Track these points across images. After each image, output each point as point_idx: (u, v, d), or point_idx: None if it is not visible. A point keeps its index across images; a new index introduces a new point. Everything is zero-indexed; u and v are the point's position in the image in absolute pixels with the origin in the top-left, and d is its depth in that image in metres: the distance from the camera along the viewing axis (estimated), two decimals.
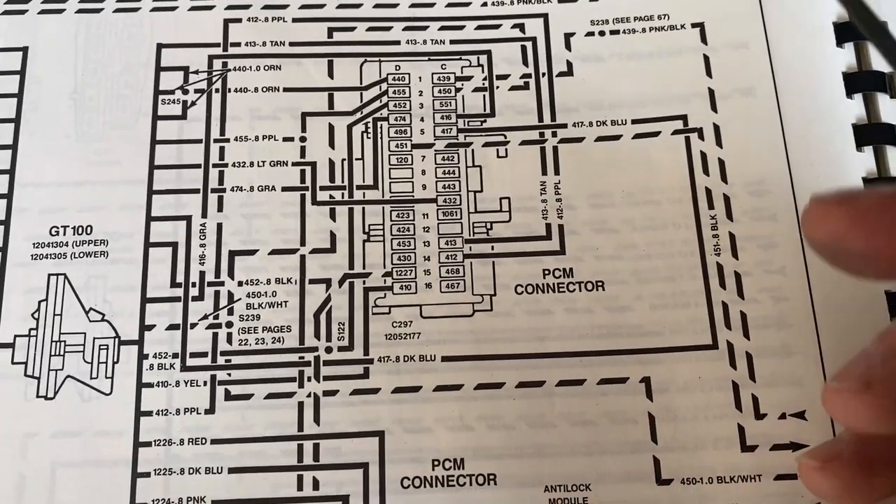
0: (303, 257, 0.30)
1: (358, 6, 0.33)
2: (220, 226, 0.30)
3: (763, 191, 0.31)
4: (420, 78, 0.32)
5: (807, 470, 0.24)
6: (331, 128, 0.32)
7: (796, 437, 0.28)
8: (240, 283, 0.30)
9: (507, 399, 0.29)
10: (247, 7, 0.33)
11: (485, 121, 0.32)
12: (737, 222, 0.30)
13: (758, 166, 0.31)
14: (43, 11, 0.33)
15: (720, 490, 0.28)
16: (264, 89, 0.32)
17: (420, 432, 0.29)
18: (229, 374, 0.29)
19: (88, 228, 0.30)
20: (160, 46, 0.33)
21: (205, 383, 0.29)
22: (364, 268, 0.30)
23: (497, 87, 0.32)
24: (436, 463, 0.28)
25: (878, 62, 0.32)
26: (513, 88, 0.32)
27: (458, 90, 0.32)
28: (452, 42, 0.33)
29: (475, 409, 0.29)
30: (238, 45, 0.33)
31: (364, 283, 0.30)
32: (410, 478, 0.28)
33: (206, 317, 0.29)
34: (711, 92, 0.32)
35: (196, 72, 0.32)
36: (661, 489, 0.28)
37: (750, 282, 0.30)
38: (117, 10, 0.33)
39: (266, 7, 0.33)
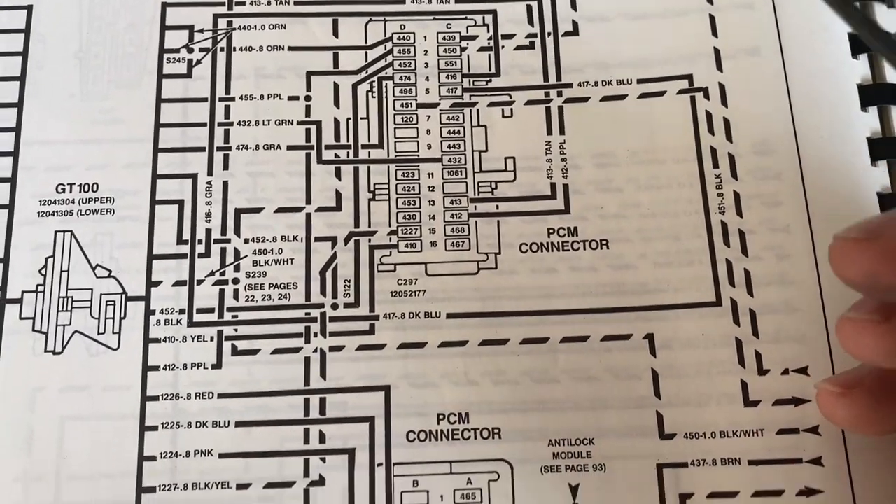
0: (308, 215, 0.30)
1: None
2: (225, 184, 0.31)
3: (768, 150, 0.31)
4: (425, 37, 0.32)
5: (825, 395, 0.23)
6: (336, 87, 0.32)
7: (799, 393, 0.28)
8: (246, 241, 0.30)
9: (512, 355, 0.29)
10: None
11: (490, 80, 0.32)
12: (741, 181, 0.30)
13: (763, 126, 0.31)
14: None
15: (722, 444, 0.28)
16: (269, 48, 0.32)
17: (425, 387, 0.29)
18: (236, 330, 0.29)
19: (94, 186, 0.30)
20: (165, 5, 0.33)
21: (211, 339, 0.29)
22: (370, 226, 0.30)
23: (502, 47, 0.32)
24: (441, 417, 0.29)
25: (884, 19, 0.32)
26: (518, 48, 0.32)
27: (463, 50, 0.32)
28: (458, 1, 0.33)
29: (480, 364, 0.29)
30: (243, 3, 0.33)
31: (370, 241, 0.30)
32: (416, 431, 0.28)
33: (212, 273, 0.30)
34: (717, 52, 0.32)
35: (201, 31, 0.32)
36: (664, 444, 0.28)
37: (754, 239, 0.30)
38: None
39: None
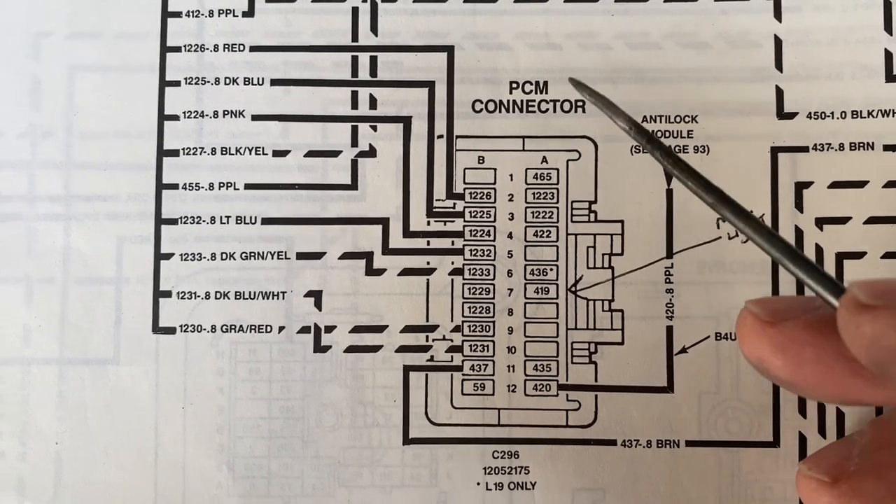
0: None
1: None
2: None
3: None
4: None
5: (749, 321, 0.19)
6: None
7: None
8: None
9: (604, 14, 0.24)
10: None
11: None
12: None
13: None
14: None
15: (855, 126, 0.23)
16: None
17: (496, 49, 0.24)
18: None
19: None
20: None
21: None
22: None
23: None
24: (514, 85, 0.24)
25: None
26: None
27: None
28: None
29: (564, 24, 0.24)
30: None
31: None
32: (483, 101, 0.24)
33: None
34: None
35: None
36: (782, 123, 0.23)
37: None
38: None
39: None
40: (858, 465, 0.18)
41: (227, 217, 0.24)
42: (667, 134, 0.24)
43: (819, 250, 0.23)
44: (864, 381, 0.17)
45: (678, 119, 0.24)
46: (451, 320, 0.24)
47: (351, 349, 0.23)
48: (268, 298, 0.24)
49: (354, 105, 0.24)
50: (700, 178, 0.18)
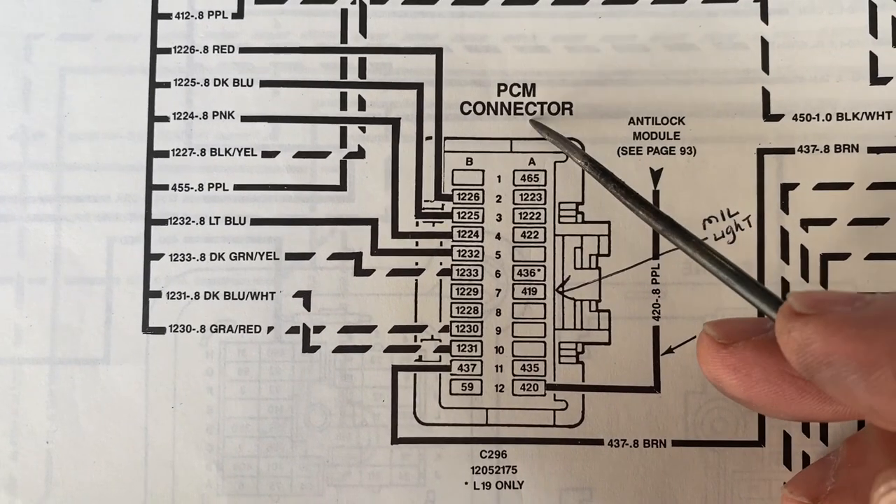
0: None
1: None
2: None
3: None
4: None
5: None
6: None
7: None
8: None
9: (591, 17, 0.24)
10: None
11: None
12: None
13: None
14: None
15: (840, 128, 0.23)
16: None
17: (485, 51, 0.24)
18: None
19: None
20: None
21: None
22: None
23: None
24: (502, 87, 0.24)
25: None
26: None
27: None
28: None
29: (552, 26, 0.24)
30: None
31: None
32: (472, 103, 0.24)
33: None
34: None
35: None
36: (768, 125, 0.24)
37: None
38: None
39: None
40: (834, 485, 0.19)
41: (217, 218, 0.24)
42: (654, 135, 0.24)
43: (804, 251, 0.23)
44: (812, 397, 0.17)
45: (665, 121, 0.24)
46: (440, 320, 0.24)
47: (340, 349, 0.24)
48: (257, 299, 0.24)
49: (343, 106, 0.24)
50: (650, 207, 0.20)
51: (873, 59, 0.23)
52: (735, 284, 0.17)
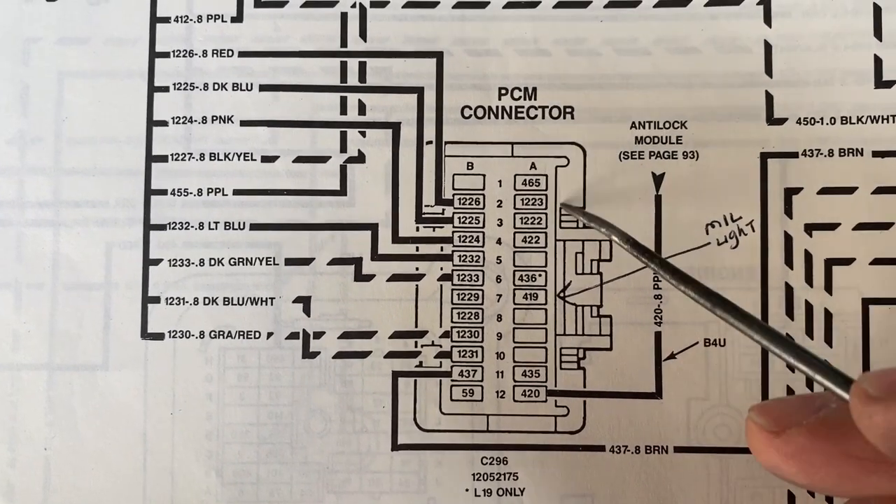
0: None
1: None
2: None
3: None
4: None
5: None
6: None
7: None
8: None
9: (593, 20, 0.24)
10: None
11: None
12: None
13: None
14: None
15: (845, 132, 0.23)
16: None
17: (486, 55, 0.24)
18: None
19: None
20: None
21: None
22: None
23: None
24: (503, 91, 0.24)
25: None
26: None
27: None
28: None
29: (553, 30, 0.24)
30: None
31: None
32: (472, 107, 0.24)
33: None
34: None
35: None
36: (771, 129, 0.23)
37: None
38: None
39: None
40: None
41: (216, 223, 0.24)
42: (656, 140, 0.24)
43: (808, 256, 0.23)
44: (879, 475, 0.17)
45: (667, 125, 0.24)
46: (440, 326, 0.24)
47: (340, 355, 0.23)
48: (256, 304, 0.24)
49: (343, 111, 0.24)
50: (698, 285, 0.18)
51: (878, 62, 0.23)
52: (796, 361, 0.16)
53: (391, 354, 0.23)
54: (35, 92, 0.24)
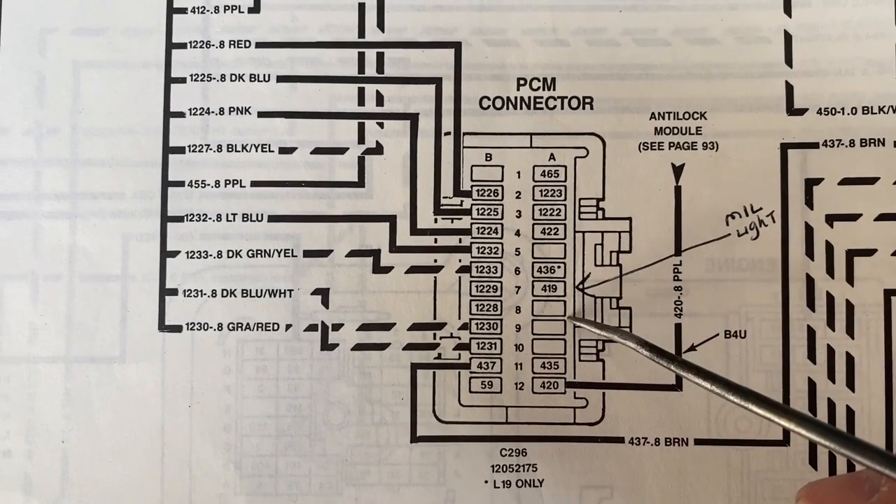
0: None
1: None
2: None
3: None
4: None
5: None
6: None
7: None
8: None
9: (613, 10, 0.24)
10: None
11: None
12: None
13: None
14: None
15: (866, 122, 0.23)
16: None
17: (504, 45, 0.24)
18: None
19: None
20: None
21: None
22: None
23: None
24: (521, 82, 0.24)
25: None
26: None
27: None
28: None
29: (572, 20, 0.24)
30: None
31: None
32: (491, 97, 0.24)
33: None
34: None
35: None
36: (792, 120, 0.23)
37: None
38: None
39: None
40: None
41: (234, 214, 0.24)
42: (675, 130, 0.23)
43: (829, 247, 0.23)
44: None
45: (687, 115, 0.23)
46: (459, 318, 0.23)
47: (358, 347, 0.23)
48: (275, 296, 0.23)
49: (361, 102, 0.24)
50: (724, 381, 0.18)
51: None
52: (839, 447, 0.16)
53: (410, 346, 0.23)
54: (51, 83, 0.24)
